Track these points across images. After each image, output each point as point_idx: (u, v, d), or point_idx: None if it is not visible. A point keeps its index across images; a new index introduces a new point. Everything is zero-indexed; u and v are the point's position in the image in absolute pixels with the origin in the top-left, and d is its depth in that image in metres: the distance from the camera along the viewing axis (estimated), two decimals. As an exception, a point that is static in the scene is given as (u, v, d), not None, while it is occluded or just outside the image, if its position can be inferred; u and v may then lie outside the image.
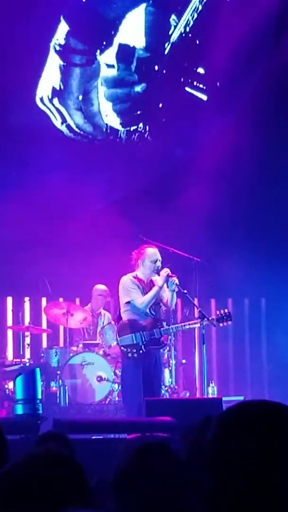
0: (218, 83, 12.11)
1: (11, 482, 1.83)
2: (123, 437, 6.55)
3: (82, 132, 12.03)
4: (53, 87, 11.81)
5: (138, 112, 12.22)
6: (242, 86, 11.93)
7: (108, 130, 12.16)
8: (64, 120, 11.94)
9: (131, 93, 12.17)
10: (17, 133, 11.34)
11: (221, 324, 8.95)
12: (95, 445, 6.08)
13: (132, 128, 12.22)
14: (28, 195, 11.09)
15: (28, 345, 10.63)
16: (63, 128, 11.96)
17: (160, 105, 12.24)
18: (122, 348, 8.49)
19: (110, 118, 12.15)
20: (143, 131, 12.21)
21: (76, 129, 12.01)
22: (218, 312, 9.01)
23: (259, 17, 11.68)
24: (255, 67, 11.91)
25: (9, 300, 11.78)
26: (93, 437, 6.73)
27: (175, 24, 12.00)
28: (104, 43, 11.91)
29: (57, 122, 11.90)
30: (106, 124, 12.12)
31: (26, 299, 11.42)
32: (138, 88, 12.15)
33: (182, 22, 11.98)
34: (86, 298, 11.21)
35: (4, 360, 10.64)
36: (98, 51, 11.90)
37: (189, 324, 8.85)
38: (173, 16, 12.05)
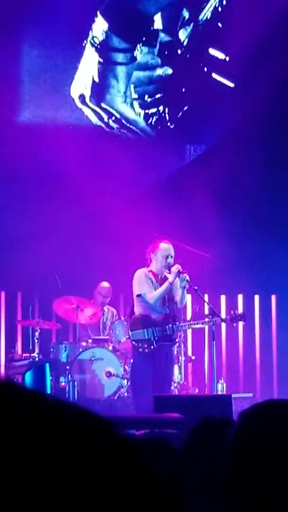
0: (241, 71, 11.99)
1: None
2: (131, 433, 6.53)
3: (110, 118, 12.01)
4: (93, 83, 11.81)
5: (158, 96, 12.12)
6: (263, 75, 11.76)
7: (124, 117, 12.09)
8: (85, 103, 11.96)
9: (153, 76, 12.09)
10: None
11: (234, 324, 8.94)
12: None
13: (150, 111, 12.11)
14: (39, 189, 11.06)
15: (38, 339, 10.61)
16: (86, 110, 11.96)
17: (183, 90, 12.13)
18: (133, 342, 8.46)
19: (129, 100, 12.07)
20: (163, 114, 12.10)
21: (103, 116, 11.99)
22: (232, 312, 9.02)
23: (278, 10, 11.61)
24: (273, 57, 11.78)
25: (19, 295, 11.78)
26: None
27: (198, 9, 11.90)
28: (144, 39, 11.88)
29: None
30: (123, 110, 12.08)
31: (36, 294, 11.40)
32: (160, 72, 12.07)
33: (210, 6, 11.87)
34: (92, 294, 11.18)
35: (13, 354, 10.64)
36: (137, 46, 11.88)
37: (202, 323, 8.83)
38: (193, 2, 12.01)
